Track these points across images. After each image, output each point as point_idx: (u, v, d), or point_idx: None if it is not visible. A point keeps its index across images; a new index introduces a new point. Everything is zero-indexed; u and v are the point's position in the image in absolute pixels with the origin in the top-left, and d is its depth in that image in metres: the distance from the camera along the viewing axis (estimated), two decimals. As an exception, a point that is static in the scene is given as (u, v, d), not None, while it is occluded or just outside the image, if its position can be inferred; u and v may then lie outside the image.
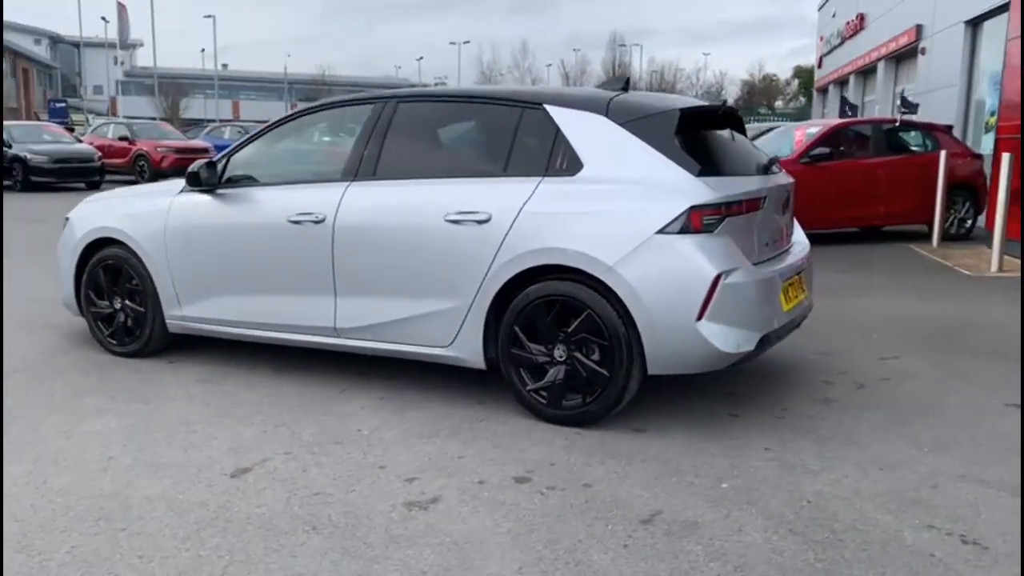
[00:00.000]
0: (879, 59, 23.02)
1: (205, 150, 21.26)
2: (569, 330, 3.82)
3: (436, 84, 58.03)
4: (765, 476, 3.34)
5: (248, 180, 4.73)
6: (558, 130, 3.96)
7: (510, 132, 4.07)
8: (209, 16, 54.09)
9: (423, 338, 4.16)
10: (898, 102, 12.93)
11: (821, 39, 32.73)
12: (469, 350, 4.06)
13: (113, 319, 5.10)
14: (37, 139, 19.90)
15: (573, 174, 3.88)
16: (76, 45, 72.30)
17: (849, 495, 3.17)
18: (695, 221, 3.63)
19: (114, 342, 5.11)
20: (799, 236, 4.79)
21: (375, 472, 3.38)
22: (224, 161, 4.77)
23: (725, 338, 3.66)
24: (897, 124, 11.30)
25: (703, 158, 3.87)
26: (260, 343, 4.75)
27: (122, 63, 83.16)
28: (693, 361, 3.72)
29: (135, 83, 76.96)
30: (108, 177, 20.51)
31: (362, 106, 4.51)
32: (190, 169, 4.66)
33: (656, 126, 3.86)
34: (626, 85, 4.39)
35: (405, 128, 4.35)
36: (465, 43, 78.95)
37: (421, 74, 79.34)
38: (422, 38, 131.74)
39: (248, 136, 4.91)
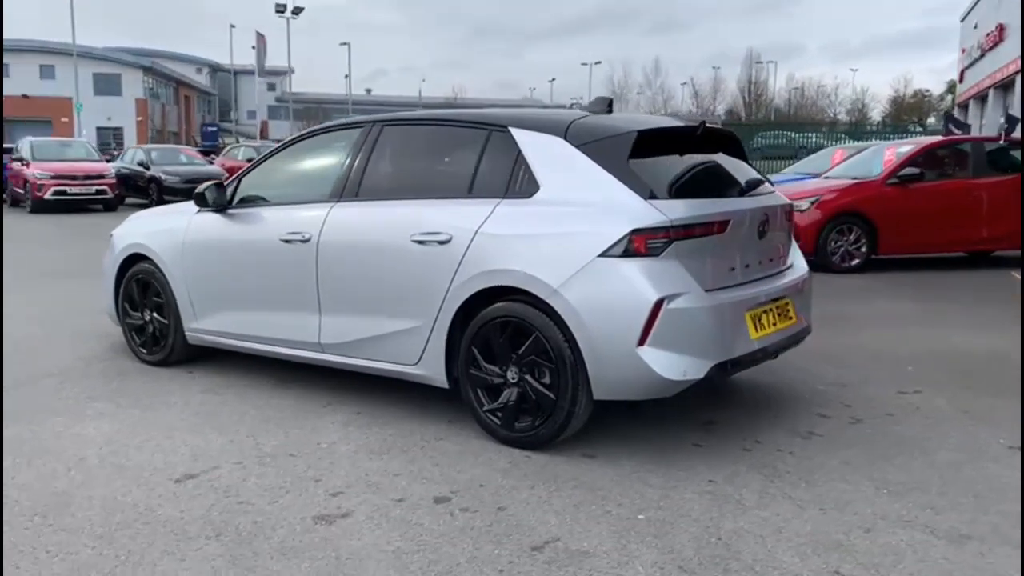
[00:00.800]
0: (1017, 72, 21.48)
1: None
2: (520, 352, 3.81)
3: (571, 105, 58.32)
4: (690, 510, 3.22)
5: (258, 200, 4.97)
6: (519, 152, 3.97)
7: (477, 154, 4.12)
8: (345, 44, 56.47)
9: (394, 356, 4.24)
10: (1001, 118, 12.04)
11: (963, 51, 30.85)
12: (434, 369, 4.11)
13: (144, 330, 5.45)
14: (173, 161, 21.42)
15: (530, 196, 3.88)
16: (232, 73, 77.35)
17: (769, 534, 3.01)
18: (638, 244, 3.55)
19: (144, 351, 5.46)
20: (797, 260, 4.59)
21: (308, 485, 3.47)
22: (235, 183, 5.04)
23: (669, 365, 3.56)
24: (1002, 142, 10.53)
25: (660, 179, 3.79)
26: (274, 357, 4.95)
27: (272, 88, 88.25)
28: (636, 387, 3.63)
29: (284, 108, 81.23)
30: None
31: (353, 130, 4.67)
32: (196, 191, 4.96)
33: (611, 148, 3.80)
34: (609, 106, 4.36)
35: (386, 150, 4.47)
36: (596, 63, 79.06)
37: (553, 95, 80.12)
38: (560, 59, 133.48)
39: (259, 158, 5.17)
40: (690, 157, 4.13)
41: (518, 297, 3.79)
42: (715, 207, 3.81)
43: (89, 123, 59.00)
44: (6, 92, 57.10)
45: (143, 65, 60.62)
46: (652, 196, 3.66)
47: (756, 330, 3.90)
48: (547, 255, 3.71)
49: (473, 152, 4.14)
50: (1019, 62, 21.20)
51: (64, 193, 18.55)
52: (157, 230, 5.36)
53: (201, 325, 5.11)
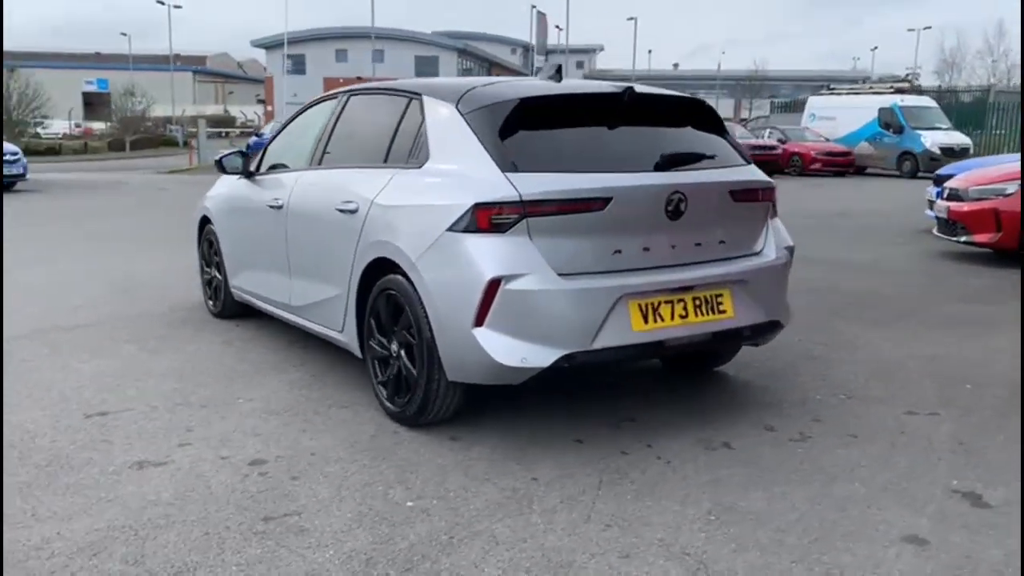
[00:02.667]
0: None
1: (846, 153, 24.45)
2: (397, 326, 3.74)
3: (907, 75, 53.30)
4: (466, 505, 2.99)
5: (277, 167, 5.28)
6: (423, 121, 3.86)
7: (396, 123, 4.07)
8: (632, 18, 56.26)
9: (329, 321, 4.35)
10: None
11: None
12: (351, 336, 4.15)
13: (211, 284, 6.05)
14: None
15: (420, 166, 3.77)
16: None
17: (506, 543, 2.72)
18: (481, 220, 3.32)
19: (210, 303, 6.07)
20: (768, 248, 3.97)
21: (176, 434, 3.70)
22: (263, 151, 5.40)
23: (505, 350, 3.30)
24: None
25: (536, 151, 3.51)
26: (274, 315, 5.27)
27: (580, 66, 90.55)
28: (476, 371, 3.41)
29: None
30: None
31: (333, 100, 4.80)
32: (216, 158, 5.38)
33: (489, 117, 3.56)
34: (558, 72, 4.07)
35: (346, 120, 4.55)
36: (926, 29, 71.29)
37: (875, 64, 73.71)
38: (895, 26, 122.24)
39: (280, 125, 5.49)
40: (595, 127, 3.73)
41: (398, 269, 3.72)
42: (590, 182, 3.42)
43: (409, 101, 64.69)
44: (346, 75, 64.56)
45: (458, 48, 65.06)
46: (514, 168, 3.39)
47: (646, 322, 3.46)
48: (413, 227, 3.60)
49: (395, 120, 4.09)
50: None
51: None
52: (216, 195, 5.90)
53: (235, 282, 5.57)
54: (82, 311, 6.09)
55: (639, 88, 3.78)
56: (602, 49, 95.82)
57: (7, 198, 15.66)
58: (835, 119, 27.54)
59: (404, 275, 3.63)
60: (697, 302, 3.61)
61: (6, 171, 16.69)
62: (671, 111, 3.97)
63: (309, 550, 2.68)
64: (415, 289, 3.55)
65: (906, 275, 7.89)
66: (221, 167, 5.35)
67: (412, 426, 3.74)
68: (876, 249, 9.68)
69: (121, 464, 3.36)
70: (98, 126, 56.91)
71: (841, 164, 25.08)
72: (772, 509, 2.97)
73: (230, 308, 5.82)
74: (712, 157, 3.83)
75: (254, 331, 5.51)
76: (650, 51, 78.79)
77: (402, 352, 3.73)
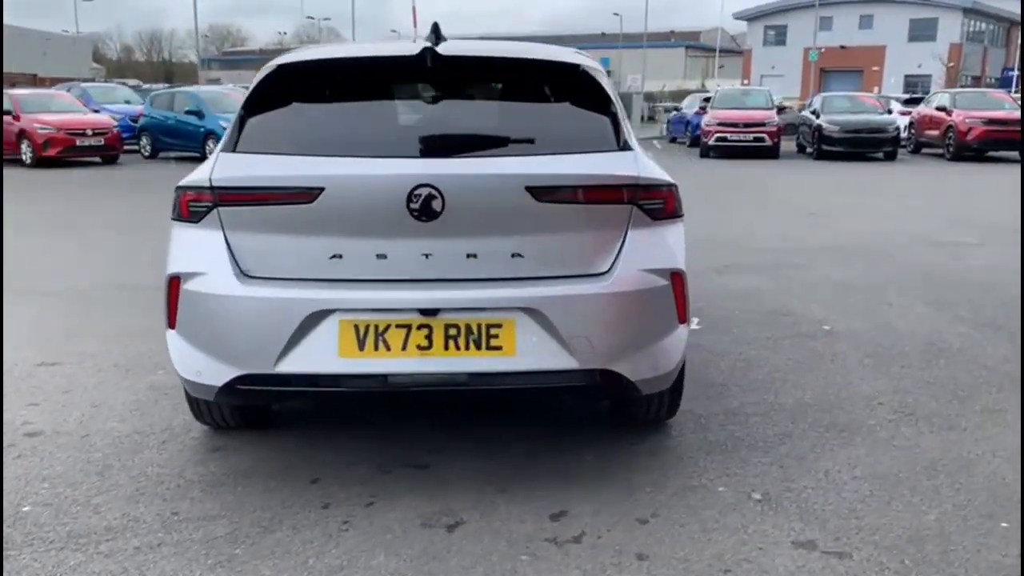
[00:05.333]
0: None
1: None
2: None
3: None
4: (72, 525, 2.69)
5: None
6: (267, 94, 3.48)
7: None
8: None
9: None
10: None
11: None
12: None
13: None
14: (841, 110, 20.30)
15: (239, 145, 3.40)
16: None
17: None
18: (182, 207, 2.90)
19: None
20: (616, 267, 2.81)
21: (48, 393, 3.90)
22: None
23: (184, 359, 2.88)
24: None
25: (272, 128, 2.95)
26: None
27: None
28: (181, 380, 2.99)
29: None
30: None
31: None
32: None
33: (257, 87, 3.03)
34: (435, 32, 3.36)
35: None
36: None
37: None
38: None
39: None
40: (375, 100, 2.98)
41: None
42: (297, 168, 2.73)
43: (898, 71, 58.78)
44: (828, 44, 60.86)
45: (964, 7, 56.92)
46: (234, 148, 2.88)
47: (361, 348, 2.70)
48: None
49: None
50: None
51: (725, 139, 19.70)
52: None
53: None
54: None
55: (451, 50, 2.92)
56: None
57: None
58: None
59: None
60: (452, 332, 2.71)
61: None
62: (515, 80, 3.01)
63: None
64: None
65: None
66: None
67: (207, 426, 3.46)
68: None
69: (-40, 413, 3.66)
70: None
71: None
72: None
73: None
74: (530, 141, 2.81)
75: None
76: None
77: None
